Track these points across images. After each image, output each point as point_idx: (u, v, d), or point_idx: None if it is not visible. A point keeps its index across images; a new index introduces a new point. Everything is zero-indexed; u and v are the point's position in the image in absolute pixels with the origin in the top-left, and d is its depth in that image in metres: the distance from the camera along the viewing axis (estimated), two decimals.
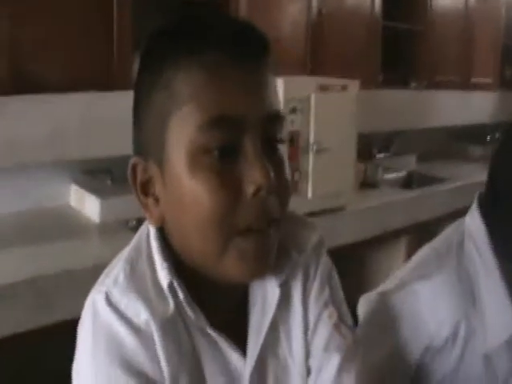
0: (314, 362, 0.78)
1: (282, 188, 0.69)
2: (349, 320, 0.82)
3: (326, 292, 0.80)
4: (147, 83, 0.69)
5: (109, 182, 2.45)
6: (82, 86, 2.14)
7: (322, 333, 0.78)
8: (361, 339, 0.88)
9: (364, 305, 1.05)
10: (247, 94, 0.66)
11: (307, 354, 0.78)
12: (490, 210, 0.99)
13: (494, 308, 0.95)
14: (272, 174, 0.65)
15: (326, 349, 0.78)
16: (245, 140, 0.66)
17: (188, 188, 0.66)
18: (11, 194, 2.29)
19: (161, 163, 0.68)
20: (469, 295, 0.96)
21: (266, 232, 0.67)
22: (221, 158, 0.65)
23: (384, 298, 1.01)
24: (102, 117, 2.25)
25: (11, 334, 1.68)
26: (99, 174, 2.46)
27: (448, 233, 1.07)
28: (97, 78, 2.15)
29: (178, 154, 0.66)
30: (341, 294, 0.83)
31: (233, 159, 0.66)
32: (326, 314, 0.79)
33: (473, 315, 0.95)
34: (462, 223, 1.05)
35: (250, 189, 0.65)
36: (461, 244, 1.01)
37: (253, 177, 0.65)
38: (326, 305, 0.79)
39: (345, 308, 0.83)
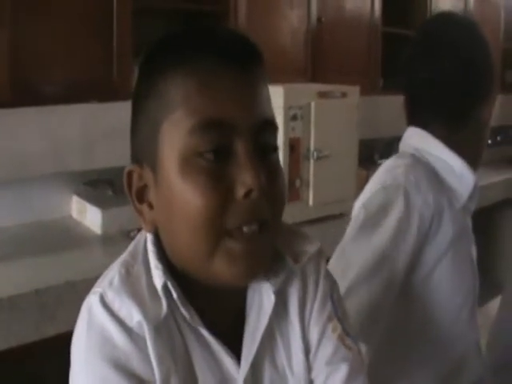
0: (318, 375, 0.78)
1: (275, 194, 0.69)
2: (352, 332, 0.81)
3: (329, 306, 0.80)
4: (143, 92, 0.71)
5: (110, 193, 2.44)
6: (83, 97, 2.14)
7: (328, 346, 0.78)
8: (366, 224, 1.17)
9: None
10: (238, 99, 0.67)
11: (308, 368, 0.78)
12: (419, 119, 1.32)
13: (453, 175, 1.24)
14: (263, 178, 0.65)
15: (332, 360, 0.77)
16: (236, 143, 0.66)
17: (179, 190, 0.67)
18: (13, 206, 2.28)
19: (154, 168, 0.70)
20: (435, 180, 1.23)
21: (256, 235, 0.67)
22: (212, 160, 0.66)
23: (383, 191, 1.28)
24: (103, 127, 2.25)
25: (14, 346, 1.67)
26: (100, 185, 2.45)
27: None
28: (97, 88, 2.16)
29: (170, 157, 0.67)
30: (344, 308, 0.83)
31: (225, 162, 0.66)
32: (330, 328, 0.79)
33: (443, 193, 1.22)
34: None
35: (240, 191, 0.65)
36: (413, 156, 1.30)
37: (244, 179, 0.65)
38: (329, 318, 0.79)
39: (348, 321, 0.82)
